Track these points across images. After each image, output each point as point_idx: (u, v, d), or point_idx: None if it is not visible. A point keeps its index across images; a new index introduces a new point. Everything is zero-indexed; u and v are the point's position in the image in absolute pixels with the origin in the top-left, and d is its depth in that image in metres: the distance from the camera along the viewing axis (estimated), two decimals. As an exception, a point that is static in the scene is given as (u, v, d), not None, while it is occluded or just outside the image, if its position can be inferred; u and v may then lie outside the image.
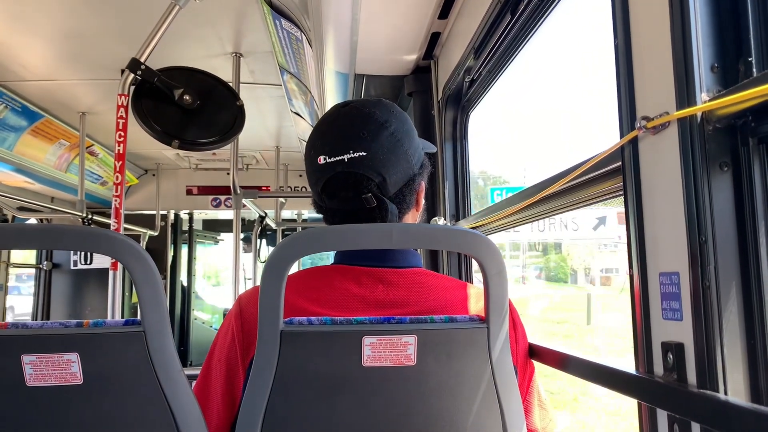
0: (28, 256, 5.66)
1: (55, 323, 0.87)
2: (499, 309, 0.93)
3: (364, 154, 1.03)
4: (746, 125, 0.73)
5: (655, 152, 0.86)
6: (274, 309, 0.88)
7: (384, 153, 1.05)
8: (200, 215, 6.52)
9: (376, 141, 1.05)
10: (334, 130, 1.09)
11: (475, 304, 1.08)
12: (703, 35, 0.77)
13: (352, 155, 1.03)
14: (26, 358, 0.84)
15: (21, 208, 4.19)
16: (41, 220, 4.58)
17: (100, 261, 5.03)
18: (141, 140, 2.64)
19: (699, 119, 0.76)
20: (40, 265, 5.21)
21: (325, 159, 1.05)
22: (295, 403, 0.91)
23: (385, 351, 0.89)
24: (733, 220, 0.75)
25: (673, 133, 0.80)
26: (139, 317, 0.88)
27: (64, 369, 0.85)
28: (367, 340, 0.89)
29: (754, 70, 0.73)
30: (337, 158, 1.04)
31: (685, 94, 0.77)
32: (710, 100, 0.75)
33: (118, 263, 1.97)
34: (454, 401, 0.93)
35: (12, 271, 4.85)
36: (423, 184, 1.16)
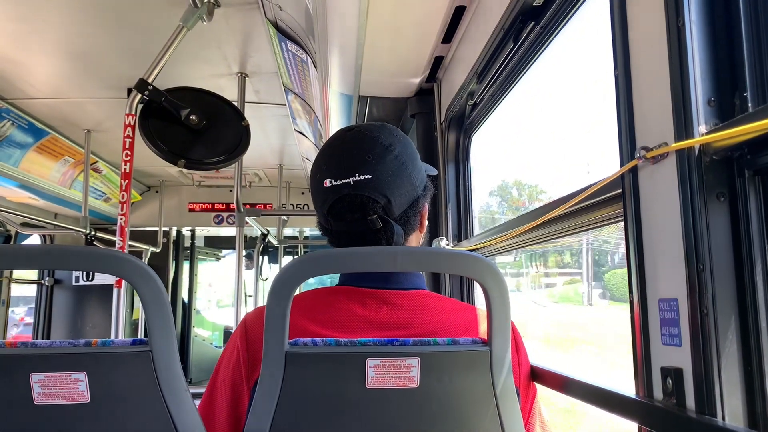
0: (30, 270, 5.66)
1: (63, 342, 0.88)
2: (502, 331, 0.94)
3: (370, 176, 1.05)
4: (742, 157, 0.75)
5: (654, 181, 0.88)
6: (279, 330, 0.90)
7: (389, 176, 1.07)
8: (202, 232, 6.53)
9: (381, 164, 1.07)
10: (339, 153, 1.11)
11: (482, 325, 1.10)
12: (700, 69, 0.79)
13: (357, 178, 1.05)
14: (35, 377, 0.85)
15: (24, 224, 4.20)
16: (44, 236, 4.59)
17: (102, 277, 5.02)
18: (145, 157, 2.66)
19: (697, 151, 0.78)
20: (42, 281, 5.21)
21: (331, 182, 1.07)
22: (300, 424, 0.92)
23: (389, 373, 0.90)
24: (730, 249, 0.77)
25: (671, 163, 0.82)
26: (142, 336, 0.89)
27: (71, 388, 0.86)
28: (371, 362, 0.90)
29: (749, 104, 0.76)
30: (343, 181, 1.06)
31: (683, 126, 0.79)
32: (707, 133, 0.77)
33: (123, 281, 1.98)
34: (456, 423, 0.94)
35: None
36: (426, 206, 1.18)
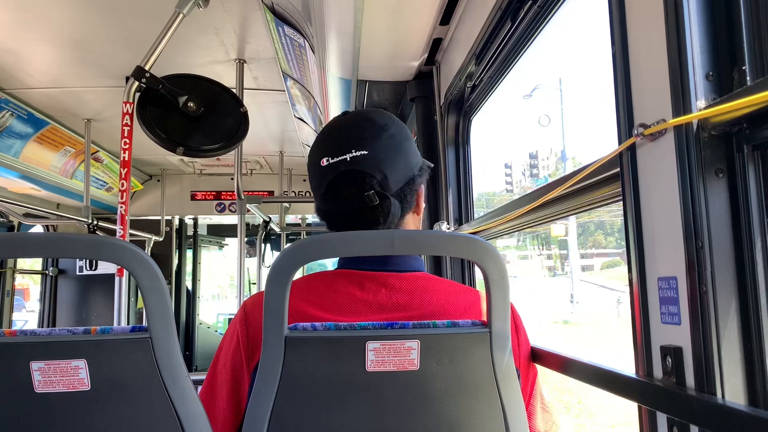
0: (34, 261, 5.68)
1: (63, 330, 0.88)
2: (501, 313, 0.94)
3: (366, 152, 1.07)
4: (741, 132, 0.74)
5: (652, 159, 0.87)
6: (278, 315, 0.90)
7: (385, 152, 1.08)
8: (205, 220, 6.54)
9: (377, 141, 1.08)
10: (336, 134, 1.13)
11: (483, 307, 1.10)
12: (698, 43, 0.78)
13: (354, 154, 1.07)
14: (35, 365, 0.86)
15: (27, 215, 4.21)
16: (47, 226, 4.60)
17: (106, 267, 5.04)
18: (146, 146, 2.66)
19: (695, 127, 0.77)
20: (46, 271, 5.23)
21: (328, 160, 1.08)
22: (300, 409, 0.92)
23: (389, 356, 0.91)
24: (729, 226, 0.76)
25: (669, 140, 0.81)
26: (145, 323, 0.90)
27: (72, 375, 0.87)
28: (371, 345, 0.90)
29: (748, 78, 0.74)
30: (340, 158, 1.07)
31: (681, 101, 0.78)
32: (705, 108, 0.76)
33: (124, 269, 1.98)
34: (457, 405, 0.94)
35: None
36: (423, 188, 1.18)
